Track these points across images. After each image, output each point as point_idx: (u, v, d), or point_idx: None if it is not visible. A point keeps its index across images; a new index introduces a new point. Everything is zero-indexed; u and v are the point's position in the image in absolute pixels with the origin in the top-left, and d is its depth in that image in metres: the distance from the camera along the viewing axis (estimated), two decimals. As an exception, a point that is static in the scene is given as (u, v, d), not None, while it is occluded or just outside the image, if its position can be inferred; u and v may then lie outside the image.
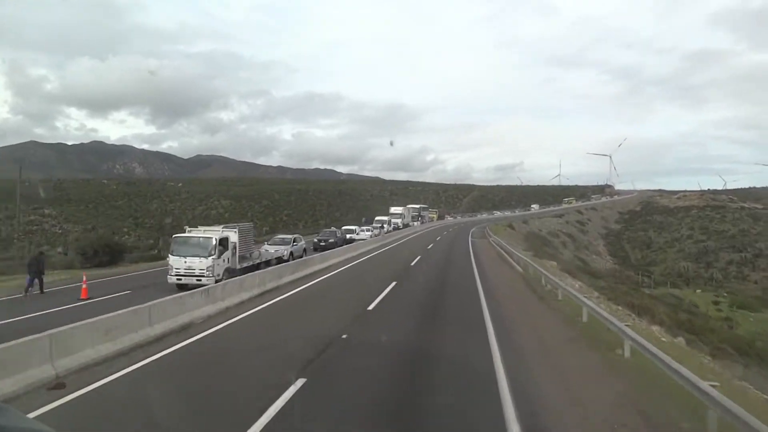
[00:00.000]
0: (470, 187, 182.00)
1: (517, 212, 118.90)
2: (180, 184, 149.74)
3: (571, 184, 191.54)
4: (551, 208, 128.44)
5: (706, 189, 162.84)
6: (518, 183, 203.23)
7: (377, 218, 52.63)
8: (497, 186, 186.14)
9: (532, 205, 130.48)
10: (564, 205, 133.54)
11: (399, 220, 59.56)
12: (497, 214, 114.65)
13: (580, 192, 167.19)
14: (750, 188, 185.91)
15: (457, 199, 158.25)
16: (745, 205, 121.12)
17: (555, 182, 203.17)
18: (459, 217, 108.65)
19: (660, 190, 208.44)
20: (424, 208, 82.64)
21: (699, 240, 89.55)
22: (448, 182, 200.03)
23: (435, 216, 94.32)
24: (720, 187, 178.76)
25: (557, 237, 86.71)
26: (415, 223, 66.34)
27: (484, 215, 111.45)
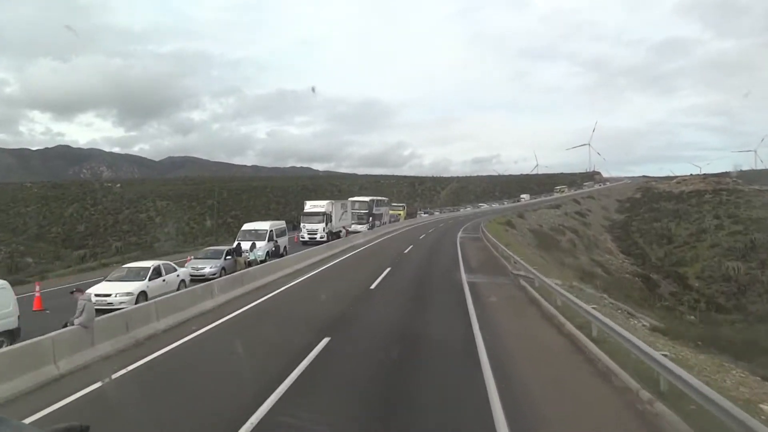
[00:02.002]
0: (449, 179, 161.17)
1: (506, 204, 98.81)
2: (119, 185, 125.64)
3: (555, 172, 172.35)
4: (542, 198, 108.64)
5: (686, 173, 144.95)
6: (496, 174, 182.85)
7: (246, 226, 27.76)
8: (478, 177, 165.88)
9: (522, 196, 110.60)
10: (556, 195, 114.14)
11: (318, 227, 33.82)
12: (484, 207, 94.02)
13: (569, 180, 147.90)
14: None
15: (434, 191, 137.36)
16: (757, 187, 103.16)
17: (536, 171, 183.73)
18: (438, 213, 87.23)
19: (644, 176, 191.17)
20: (379, 201, 53.11)
21: (734, 231, 70.00)
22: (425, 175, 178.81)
23: (402, 213, 66.79)
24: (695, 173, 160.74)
25: (562, 234, 66.41)
26: (362, 228, 41.37)
27: (469, 209, 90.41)
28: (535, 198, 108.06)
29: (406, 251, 30.47)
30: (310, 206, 37.64)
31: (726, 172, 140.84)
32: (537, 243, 43.74)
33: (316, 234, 33.96)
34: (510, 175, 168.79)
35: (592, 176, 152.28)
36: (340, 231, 38.22)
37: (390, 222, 56.18)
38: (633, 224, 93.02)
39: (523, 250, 28.84)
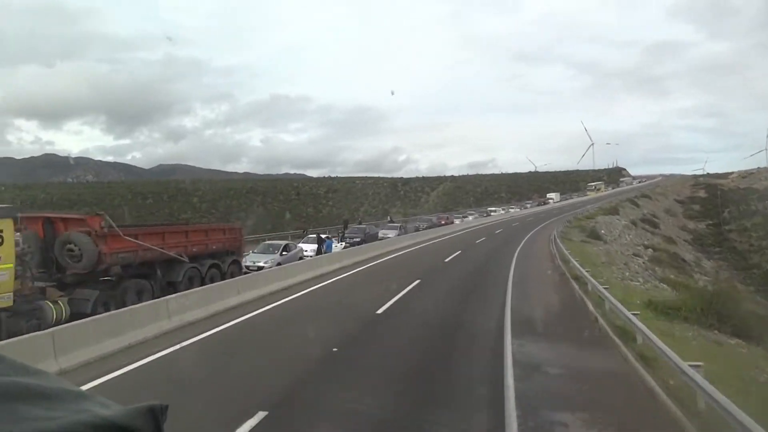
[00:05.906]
0: (441, 179, 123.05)
1: (530, 207, 62.10)
2: (2, 187, 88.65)
3: (571, 169, 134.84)
4: (577, 198, 71.89)
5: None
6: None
7: None
8: (478, 175, 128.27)
9: (549, 196, 73.83)
10: (590, 194, 77.38)
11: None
12: (499, 212, 56.03)
13: (590, 177, 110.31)
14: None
15: (422, 193, 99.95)
16: None
17: (543, 170, 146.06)
18: (397, 232, 31.39)
19: (661, 174, 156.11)
20: None
21: None
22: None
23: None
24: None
25: (689, 274, 28.42)
26: None
27: (470, 218, 51.17)
28: (566, 198, 71.37)
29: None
30: None
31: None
32: None
33: None
34: (516, 173, 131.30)
35: (620, 173, 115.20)
36: None
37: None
38: (741, 238, 55.56)
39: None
